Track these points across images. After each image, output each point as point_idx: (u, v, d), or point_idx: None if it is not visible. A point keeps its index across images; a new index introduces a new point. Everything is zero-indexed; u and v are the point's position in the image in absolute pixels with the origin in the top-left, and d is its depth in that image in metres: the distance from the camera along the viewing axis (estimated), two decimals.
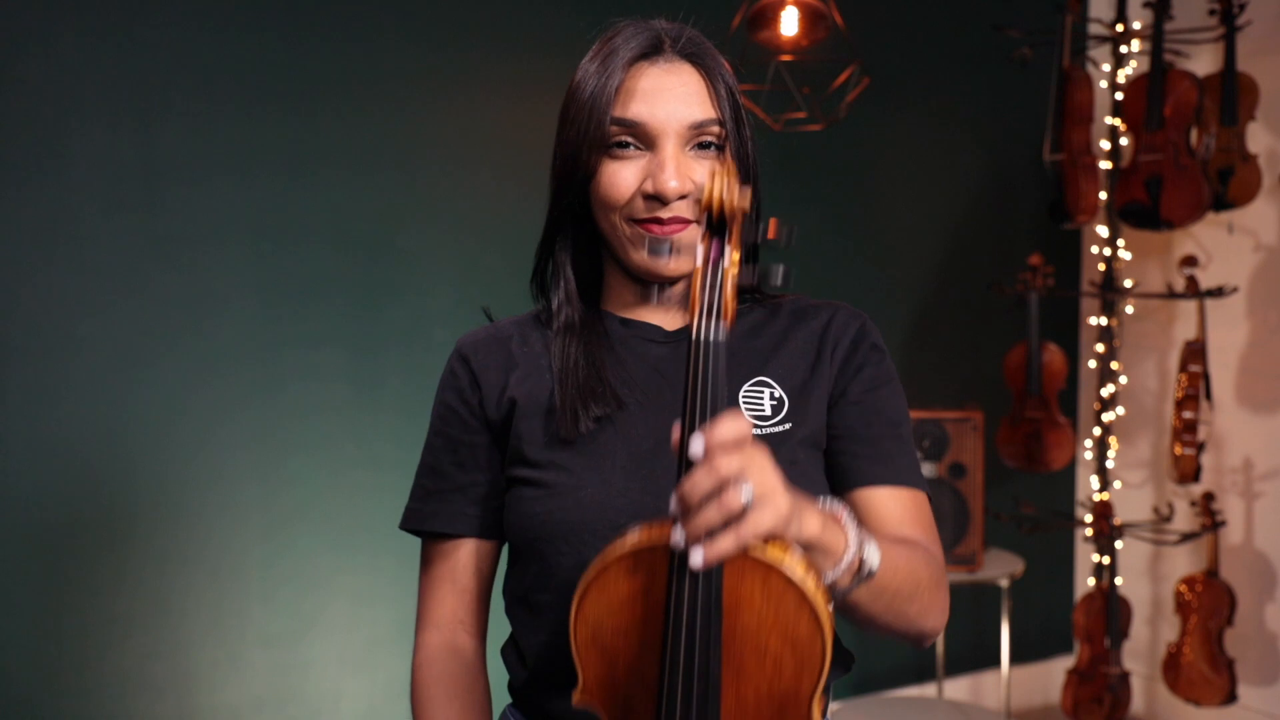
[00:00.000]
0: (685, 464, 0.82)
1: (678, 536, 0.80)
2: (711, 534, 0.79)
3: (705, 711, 0.85)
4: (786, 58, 2.47)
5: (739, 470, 0.78)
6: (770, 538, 0.83)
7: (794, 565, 0.84)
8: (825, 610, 0.85)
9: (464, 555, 1.17)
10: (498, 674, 1.17)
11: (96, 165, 2.28)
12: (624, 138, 1.07)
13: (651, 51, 1.08)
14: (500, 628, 1.19)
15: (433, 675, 1.14)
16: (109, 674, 2.33)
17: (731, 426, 0.79)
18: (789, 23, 2.43)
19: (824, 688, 0.87)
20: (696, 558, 0.79)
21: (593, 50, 1.10)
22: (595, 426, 1.09)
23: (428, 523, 1.18)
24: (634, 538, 0.88)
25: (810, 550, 0.86)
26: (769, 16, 2.44)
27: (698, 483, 0.78)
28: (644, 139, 1.07)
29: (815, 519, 0.86)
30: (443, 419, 1.19)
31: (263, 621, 2.46)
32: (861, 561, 0.90)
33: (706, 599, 0.84)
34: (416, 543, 1.23)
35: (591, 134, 1.07)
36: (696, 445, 0.79)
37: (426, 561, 1.20)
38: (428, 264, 2.60)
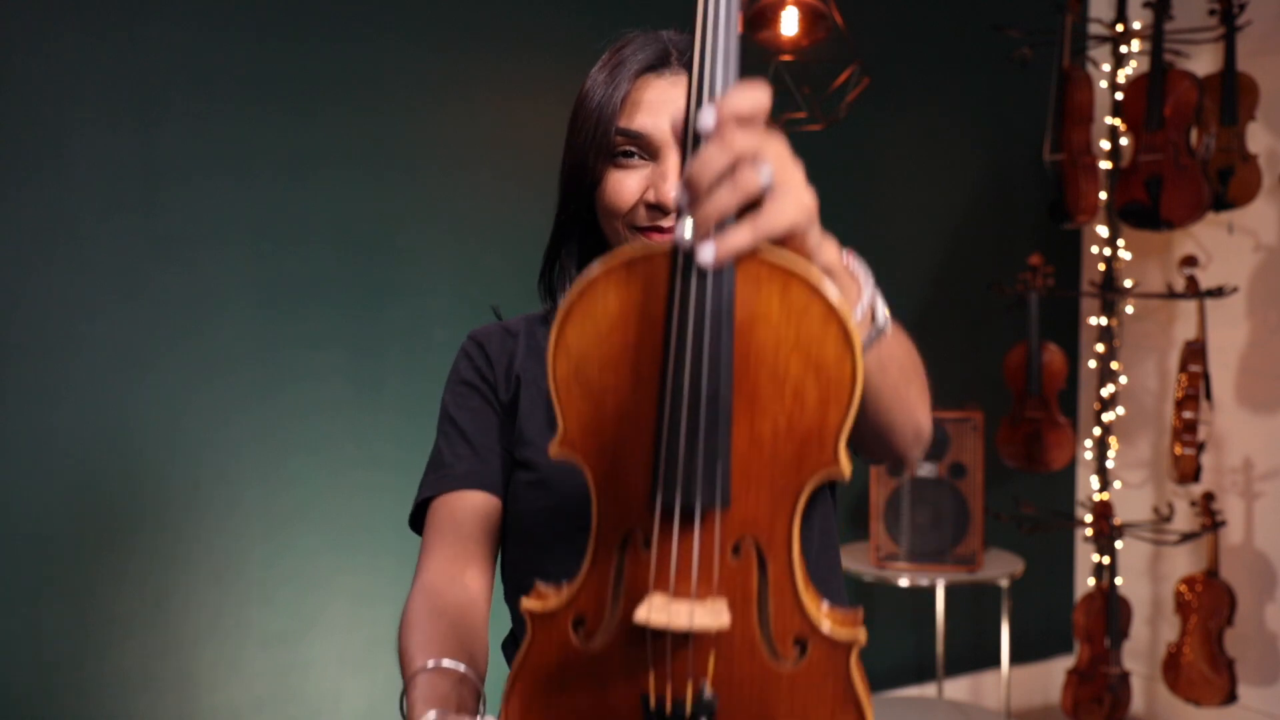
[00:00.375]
0: (693, 143, 0.70)
1: (683, 230, 0.69)
2: (723, 226, 0.68)
3: (713, 451, 0.73)
4: (786, 58, 2.47)
5: (756, 148, 0.67)
6: (789, 240, 0.72)
7: (819, 273, 0.72)
8: (855, 327, 0.72)
9: (486, 510, 1.16)
10: (499, 668, 1.17)
11: (96, 165, 2.28)
12: (628, 147, 1.09)
13: (658, 64, 1.10)
14: (501, 623, 1.19)
15: (424, 598, 1.07)
16: (109, 674, 2.33)
17: (748, 95, 0.68)
18: (789, 23, 2.43)
19: (851, 427, 0.75)
20: (707, 252, 0.68)
21: (602, 60, 1.12)
22: None
23: (460, 482, 1.15)
24: (623, 250, 0.75)
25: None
26: (769, 16, 2.44)
27: (708, 160, 0.66)
28: (648, 149, 1.09)
29: (834, 246, 0.76)
30: (464, 396, 1.20)
31: (263, 621, 2.46)
32: (874, 313, 0.81)
33: (716, 309, 0.71)
34: (415, 542, 1.23)
35: (597, 143, 1.09)
36: (707, 116, 0.67)
37: (439, 516, 1.16)
38: (428, 264, 2.60)
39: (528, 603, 0.79)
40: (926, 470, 2.89)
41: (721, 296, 0.71)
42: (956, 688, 3.34)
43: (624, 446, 0.77)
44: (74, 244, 2.27)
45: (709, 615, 0.73)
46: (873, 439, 0.93)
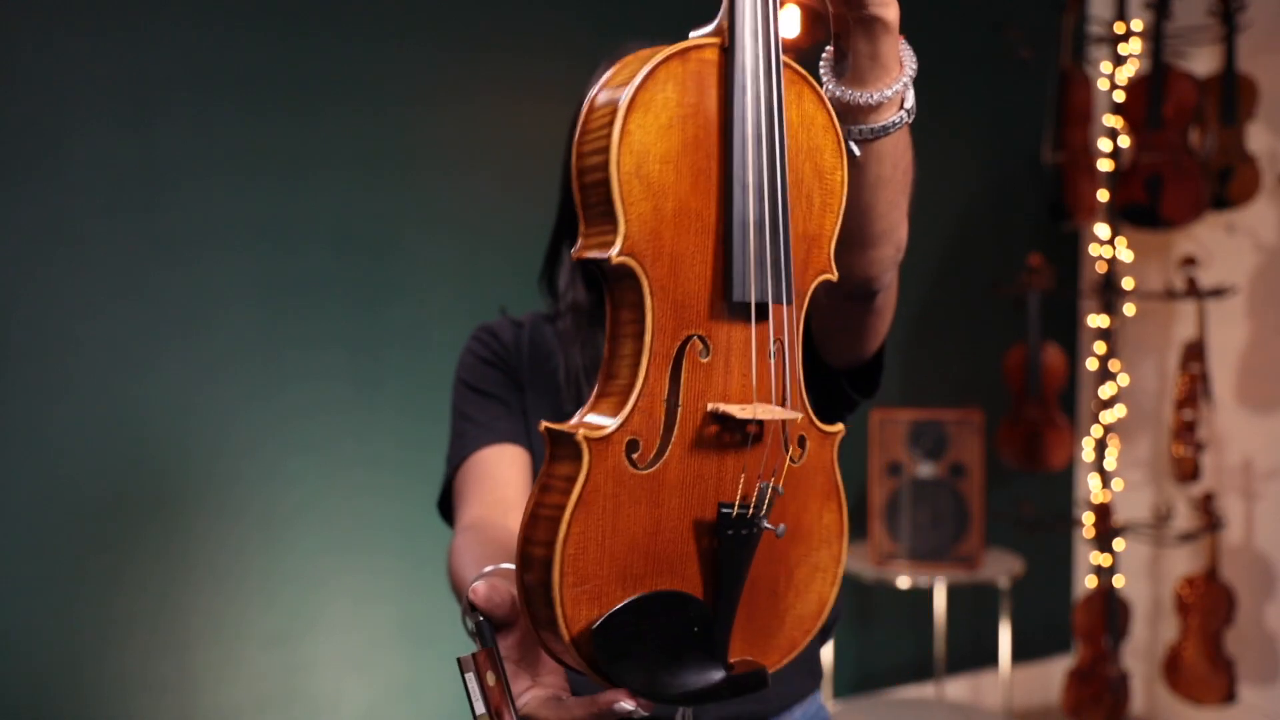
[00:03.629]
0: None
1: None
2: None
3: (780, 244, 0.76)
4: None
5: None
6: None
7: (817, 93, 0.78)
8: (842, 151, 0.79)
9: (523, 462, 1.16)
10: None
11: (96, 165, 2.28)
12: None
13: None
14: None
15: (470, 534, 1.05)
16: (109, 674, 2.33)
17: None
18: (790, 23, 2.43)
19: (838, 239, 0.81)
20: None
21: (600, 69, 1.16)
22: None
23: (497, 436, 1.15)
24: (671, 46, 0.76)
25: (874, 49, 0.78)
26: None
27: None
28: None
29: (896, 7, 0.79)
30: (483, 371, 1.21)
31: (263, 621, 2.46)
32: (904, 99, 0.82)
33: (770, 98, 0.75)
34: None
35: None
36: None
37: (474, 472, 1.15)
38: (428, 265, 2.60)
39: (585, 430, 0.74)
40: (926, 470, 2.89)
41: (773, 85, 0.75)
42: (956, 687, 3.35)
43: (683, 249, 0.76)
44: (74, 244, 2.27)
45: (785, 410, 0.77)
46: (861, 250, 0.92)
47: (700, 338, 0.76)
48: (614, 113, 0.73)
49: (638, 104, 0.73)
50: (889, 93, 0.79)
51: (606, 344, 0.78)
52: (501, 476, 1.13)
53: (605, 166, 0.73)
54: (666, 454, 0.76)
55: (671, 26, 1.16)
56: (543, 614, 0.74)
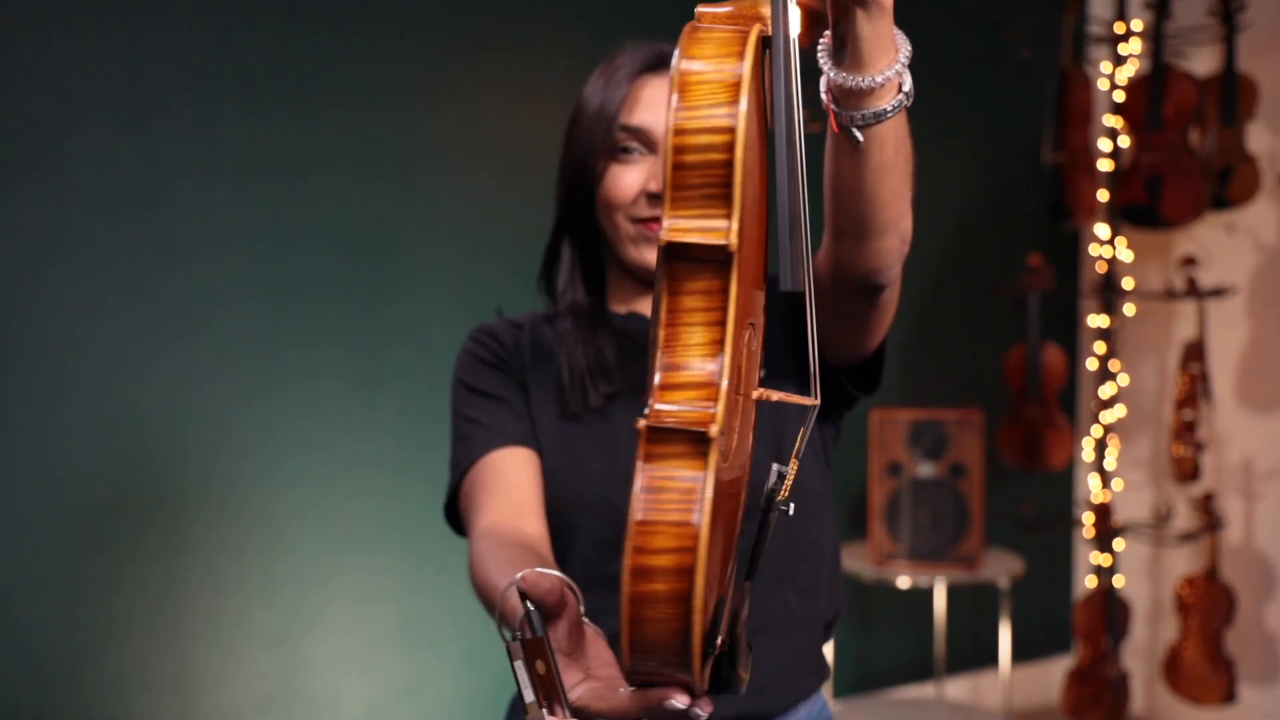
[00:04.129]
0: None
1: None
2: None
3: (805, 227, 0.75)
4: None
5: None
6: None
7: None
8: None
9: (533, 465, 1.14)
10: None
11: (96, 165, 2.28)
12: (629, 143, 1.12)
13: (655, 65, 1.14)
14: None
15: (488, 540, 1.03)
16: (109, 674, 2.33)
17: None
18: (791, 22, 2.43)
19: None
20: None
21: (598, 71, 1.16)
22: (604, 403, 1.13)
23: (505, 439, 1.13)
24: (738, 27, 0.74)
25: (872, 30, 0.77)
26: None
27: None
28: (648, 144, 1.12)
29: None
30: (483, 373, 1.19)
31: (263, 621, 2.46)
32: (901, 82, 0.81)
33: (792, 85, 0.75)
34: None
35: (599, 141, 1.12)
36: None
37: (484, 476, 1.12)
38: (428, 265, 2.60)
39: (712, 429, 0.69)
40: (926, 470, 2.89)
41: (798, 76, 0.76)
42: (956, 688, 3.35)
43: (751, 236, 0.74)
44: (74, 244, 2.27)
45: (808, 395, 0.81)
46: (867, 241, 0.91)
47: (752, 325, 0.75)
48: (737, 88, 0.69)
49: (753, 80, 0.70)
50: (889, 73, 0.79)
51: (661, 331, 0.72)
52: (514, 480, 1.11)
53: (730, 147, 0.69)
54: (734, 445, 0.73)
55: (672, 27, 1.16)
56: (667, 630, 0.68)
